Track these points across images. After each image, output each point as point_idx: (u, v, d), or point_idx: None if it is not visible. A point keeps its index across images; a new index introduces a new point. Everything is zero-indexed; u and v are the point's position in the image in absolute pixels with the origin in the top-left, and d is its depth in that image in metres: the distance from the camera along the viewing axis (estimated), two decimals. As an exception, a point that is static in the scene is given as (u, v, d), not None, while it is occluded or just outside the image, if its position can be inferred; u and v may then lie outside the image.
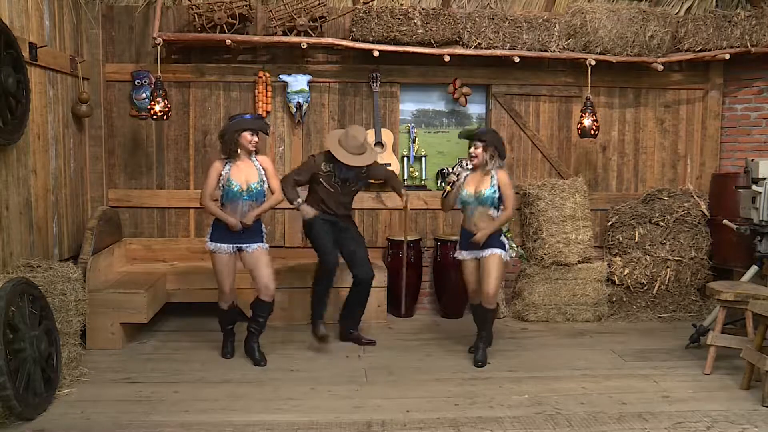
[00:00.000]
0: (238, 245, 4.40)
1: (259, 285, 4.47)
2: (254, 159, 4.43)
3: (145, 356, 4.69)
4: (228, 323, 4.69)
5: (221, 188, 4.36)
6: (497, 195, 4.40)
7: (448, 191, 4.52)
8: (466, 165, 4.52)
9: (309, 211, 4.71)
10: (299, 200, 4.73)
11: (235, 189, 4.32)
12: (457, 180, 4.50)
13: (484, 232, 4.38)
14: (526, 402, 3.88)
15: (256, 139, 4.38)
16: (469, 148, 4.51)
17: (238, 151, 4.34)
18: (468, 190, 4.46)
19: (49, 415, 3.60)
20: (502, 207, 4.44)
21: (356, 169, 4.77)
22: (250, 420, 3.58)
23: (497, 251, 4.42)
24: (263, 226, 4.54)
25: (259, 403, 3.84)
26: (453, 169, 6.02)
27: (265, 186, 4.44)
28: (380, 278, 5.49)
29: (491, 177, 4.42)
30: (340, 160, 4.63)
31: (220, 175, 4.34)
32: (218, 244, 4.38)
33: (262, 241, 4.48)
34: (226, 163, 4.35)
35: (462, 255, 4.58)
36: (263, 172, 4.42)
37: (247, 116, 4.43)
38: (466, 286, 4.67)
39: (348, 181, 4.80)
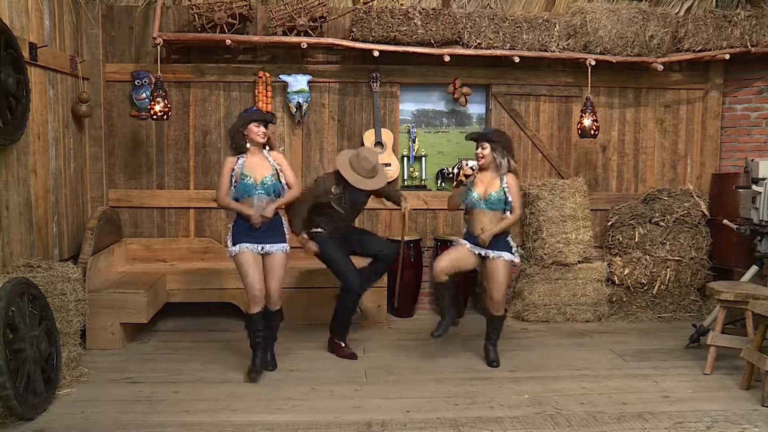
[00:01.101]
0: (262, 245, 4.22)
1: (265, 292, 4.28)
2: (266, 154, 4.29)
3: (145, 356, 4.68)
4: (258, 331, 4.27)
5: (234, 184, 4.19)
6: (505, 198, 4.38)
7: (460, 188, 4.33)
8: (470, 165, 4.50)
9: (312, 248, 4.56)
10: (305, 235, 4.56)
11: (249, 182, 4.16)
12: (471, 178, 4.41)
13: (488, 233, 4.36)
14: (526, 402, 3.88)
15: (263, 129, 4.22)
16: (477, 149, 4.48)
17: (248, 145, 4.21)
18: (477, 192, 4.42)
19: (49, 415, 3.60)
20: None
21: (368, 192, 4.68)
22: (250, 420, 3.58)
23: (504, 254, 4.42)
24: (285, 223, 4.39)
25: (259, 403, 3.84)
26: (453, 168, 6.09)
27: (283, 180, 4.29)
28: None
29: (501, 180, 4.41)
30: (353, 185, 4.51)
31: (233, 170, 4.19)
32: (246, 244, 4.16)
33: (285, 241, 4.32)
34: (239, 158, 4.21)
35: (462, 240, 4.48)
36: (277, 167, 4.29)
37: (253, 109, 4.35)
38: (442, 259, 4.44)
39: (357, 203, 4.72)
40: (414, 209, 5.98)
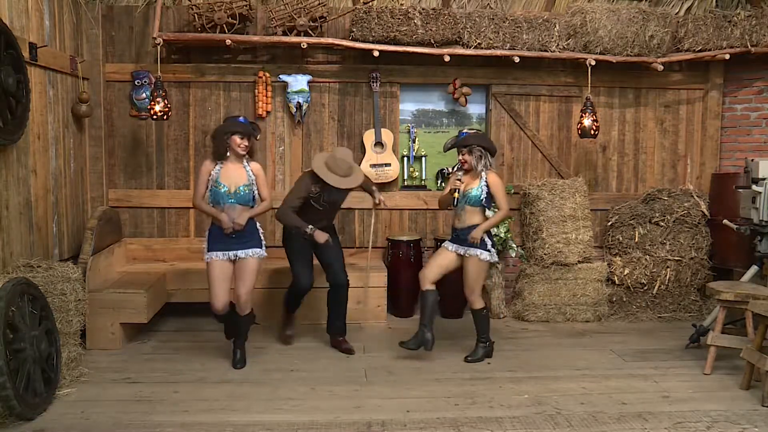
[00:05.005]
0: (234, 252, 4.30)
1: (234, 296, 4.39)
2: (246, 164, 4.34)
3: (145, 356, 4.68)
4: (232, 328, 4.54)
5: (209, 189, 4.29)
6: (484, 195, 4.47)
7: (455, 196, 4.49)
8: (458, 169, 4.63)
9: (322, 237, 4.59)
10: (310, 227, 4.58)
11: (222, 190, 4.24)
12: (460, 182, 4.54)
13: (478, 230, 4.45)
14: (526, 402, 3.88)
15: (246, 143, 4.28)
16: (459, 155, 4.58)
17: (227, 153, 4.27)
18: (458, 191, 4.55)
19: (49, 415, 3.60)
20: (493, 206, 4.57)
21: (346, 190, 4.79)
22: (250, 420, 3.58)
23: (478, 253, 4.48)
24: (260, 230, 4.44)
25: (259, 403, 3.84)
26: (453, 168, 6.08)
27: (255, 191, 4.34)
28: (380, 278, 5.50)
29: (480, 178, 4.50)
30: (331, 184, 4.58)
31: (210, 174, 4.28)
32: (216, 253, 4.28)
33: (259, 247, 4.37)
34: (217, 164, 4.29)
35: (445, 244, 4.66)
36: (253, 178, 4.34)
37: (241, 119, 4.34)
38: (427, 266, 4.67)
39: (335, 201, 4.80)
40: (414, 209, 6.01)
